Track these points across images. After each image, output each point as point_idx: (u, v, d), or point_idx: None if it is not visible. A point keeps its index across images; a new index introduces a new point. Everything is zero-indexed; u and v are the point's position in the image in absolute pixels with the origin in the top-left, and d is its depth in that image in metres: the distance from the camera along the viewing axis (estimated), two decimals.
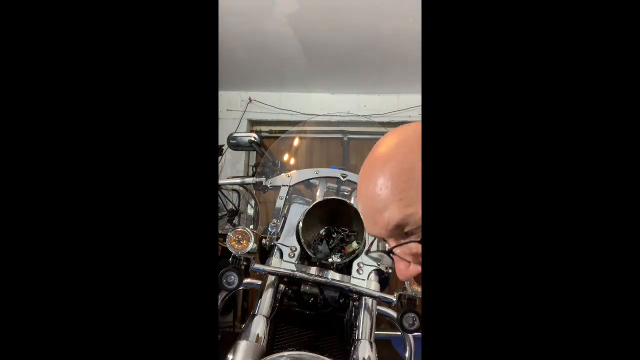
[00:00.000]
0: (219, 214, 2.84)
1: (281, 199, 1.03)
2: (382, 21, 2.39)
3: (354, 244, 0.93)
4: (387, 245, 0.42)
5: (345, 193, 1.14)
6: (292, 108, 3.32)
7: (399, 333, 0.95)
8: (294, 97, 3.39)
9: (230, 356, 0.45)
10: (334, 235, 0.95)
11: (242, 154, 3.29)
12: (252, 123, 3.48)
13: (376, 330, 0.87)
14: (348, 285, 0.88)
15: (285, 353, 0.45)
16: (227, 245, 0.92)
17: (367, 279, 0.91)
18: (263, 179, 1.10)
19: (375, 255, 0.44)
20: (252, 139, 1.21)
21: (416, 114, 3.26)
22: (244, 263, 0.92)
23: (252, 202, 3.04)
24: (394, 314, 0.92)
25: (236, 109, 3.38)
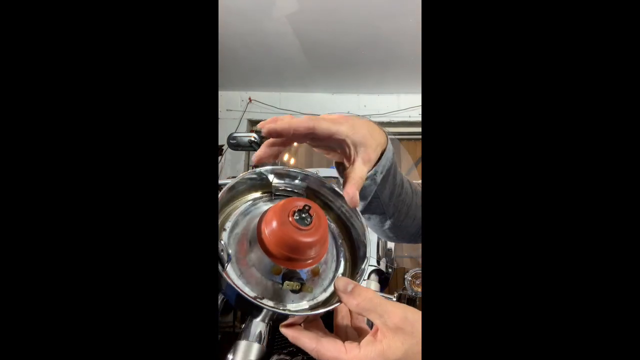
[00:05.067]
0: None
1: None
2: (382, 21, 2.39)
3: None
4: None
5: None
6: (292, 108, 3.32)
7: None
8: (294, 97, 3.39)
9: (230, 356, 0.45)
10: None
11: (242, 154, 3.29)
12: (252, 123, 3.48)
13: None
14: None
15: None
16: None
17: (367, 279, 0.91)
18: None
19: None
20: (252, 139, 1.21)
21: (416, 114, 3.26)
22: None
23: None
24: None
25: (236, 109, 3.38)
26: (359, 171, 0.40)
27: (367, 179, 0.45)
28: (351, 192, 0.40)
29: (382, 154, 0.46)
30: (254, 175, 0.43)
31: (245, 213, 0.44)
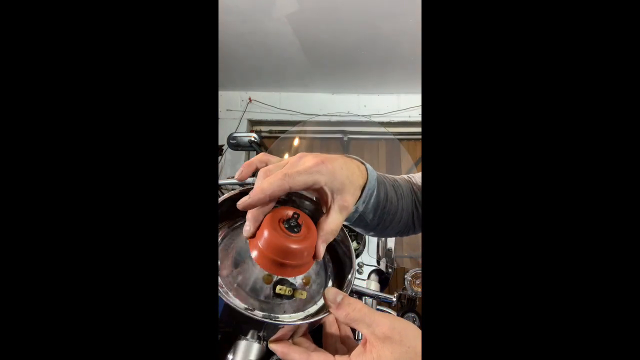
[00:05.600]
0: None
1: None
2: (382, 21, 2.39)
3: (354, 244, 0.93)
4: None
5: None
6: (292, 108, 3.32)
7: None
8: (294, 97, 3.38)
9: (230, 356, 0.45)
10: None
11: (242, 154, 3.29)
12: (252, 123, 3.48)
13: None
14: None
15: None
16: None
17: (367, 279, 0.91)
18: None
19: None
20: (252, 139, 1.21)
21: (416, 114, 3.26)
22: None
23: None
24: (394, 314, 0.92)
25: (236, 109, 3.38)
26: (332, 224, 0.40)
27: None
28: (317, 247, 0.40)
29: (364, 186, 0.46)
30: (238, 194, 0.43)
31: (230, 230, 0.45)
